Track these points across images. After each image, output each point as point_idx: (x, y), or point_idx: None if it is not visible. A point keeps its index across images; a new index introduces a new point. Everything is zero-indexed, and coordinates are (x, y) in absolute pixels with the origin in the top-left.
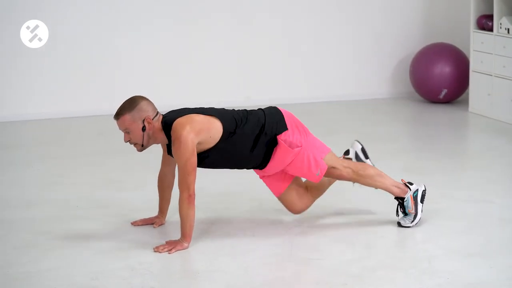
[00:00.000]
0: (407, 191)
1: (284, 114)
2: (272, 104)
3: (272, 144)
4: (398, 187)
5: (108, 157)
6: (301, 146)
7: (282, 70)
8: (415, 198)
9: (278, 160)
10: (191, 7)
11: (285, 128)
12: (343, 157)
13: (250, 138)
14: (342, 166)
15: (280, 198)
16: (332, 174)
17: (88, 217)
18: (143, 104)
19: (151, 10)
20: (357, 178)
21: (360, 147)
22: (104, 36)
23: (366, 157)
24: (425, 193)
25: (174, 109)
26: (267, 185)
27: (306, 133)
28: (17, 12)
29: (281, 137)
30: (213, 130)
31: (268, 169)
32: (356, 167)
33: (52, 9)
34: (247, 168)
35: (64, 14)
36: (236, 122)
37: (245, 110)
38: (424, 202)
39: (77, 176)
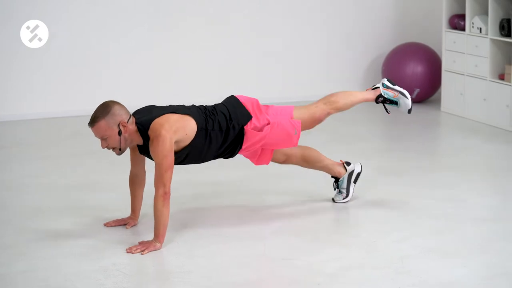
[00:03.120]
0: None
1: (243, 102)
2: None
3: (241, 134)
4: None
5: (86, 158)
6: (269, 123)
7: (256, 70)
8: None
9: (251, 144)
10: (169, 9)
11: (249, 117)
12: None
13: (220, 134)
14: (313, 108)
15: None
16: (312, 123)
17: (61, 219)
18: (115, 108)
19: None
20: (332, 107)
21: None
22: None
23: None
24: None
25: (140, 109)
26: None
27: (266, 108)
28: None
29: (248, 127)
30: (188, 127)
31: (243, 152)
32: (324, 99)
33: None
34: (223, 158)
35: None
36: (206, 118)
37: (210, 106)
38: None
39: (52, 177)
